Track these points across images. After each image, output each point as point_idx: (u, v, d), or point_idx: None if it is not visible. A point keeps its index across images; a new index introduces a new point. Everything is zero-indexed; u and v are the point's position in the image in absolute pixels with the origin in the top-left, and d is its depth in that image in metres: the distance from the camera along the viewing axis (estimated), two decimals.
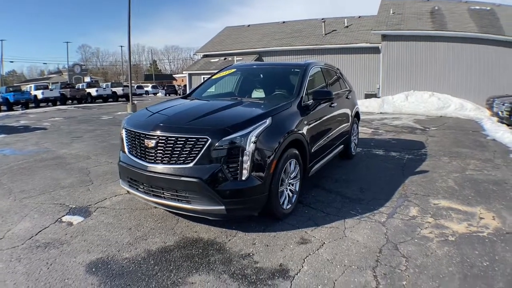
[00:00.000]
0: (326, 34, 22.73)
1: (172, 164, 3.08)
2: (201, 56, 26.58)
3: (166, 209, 3.49)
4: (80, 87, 27.92)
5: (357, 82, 20.26)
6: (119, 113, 16.66)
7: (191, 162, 3.02)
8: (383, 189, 4.52)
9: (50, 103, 23.06)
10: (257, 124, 3.18)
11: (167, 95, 44.06)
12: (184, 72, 29.02)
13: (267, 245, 3.02)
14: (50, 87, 25.77)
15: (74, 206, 3.94)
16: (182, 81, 67.22)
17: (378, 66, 19.97)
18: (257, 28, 27.46)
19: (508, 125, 10.17)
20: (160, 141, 3.13)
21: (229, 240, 3.14)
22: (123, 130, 3.60)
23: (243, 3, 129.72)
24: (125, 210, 3.86)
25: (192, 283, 2.46)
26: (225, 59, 24.52)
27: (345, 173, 5.31)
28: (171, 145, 3.09)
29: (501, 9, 19.36)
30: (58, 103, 23.42)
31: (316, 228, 3.35)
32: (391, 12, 19.52)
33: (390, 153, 6.84)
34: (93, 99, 26.51)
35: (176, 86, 50.29)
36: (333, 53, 21.29)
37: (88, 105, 23.91)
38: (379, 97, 18.05)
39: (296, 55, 22.53)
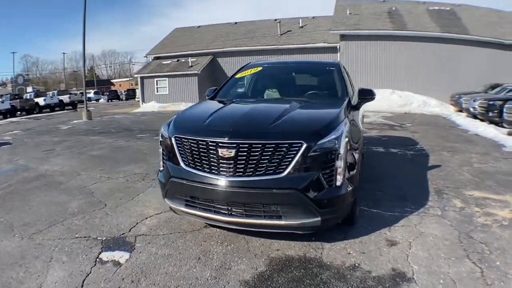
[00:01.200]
0: (281, 35, 23.38)
1: (259, 175, 2.77)
2: (152, 58, 26.10)
3: (240, 228, 3.06)
4: (28, 97, 27.45)
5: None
6: (75, 121, 16.03)
7: (284, 171, 2.75)
8: (414, 184, 4.82)
9: (1, 116, 22.56)
10: (342, 125, 3.06)
11: (109, 100, 43.16)
12: (135, 75, 28.50)
13: (363, 252, 2.98)
14: (0, 99, 24.98)
15: (104, 238, 3.27)
16: (120, 85, 67.06)
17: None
18: (209, 29, 27.51)
19: (482, 120, 11.23)
20: (241, 149, 2.78)
21: (321, 253, 2.99)
22: (173, 138, 3.11)
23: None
24: (174, 235, 3.33)
25: None
26: (178, 60, 24.17)
27: (364, 170, 5.18)
28: (257, 153, 2.77)
29: (462, 9, 20.97)
30: (8, 115, 22.82)
31: (390, 229, 3.43)
32: (347, 12, 20.73)
33: (389, 149, 7.32)
34: (41, 109, 26.08)
35: (119, 91, 49.58)
36: (290, 53, 21.82)
37: (38, 116, 22.92)
38: None
39: (253, 55, 22.74)
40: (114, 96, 45.60)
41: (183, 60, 23.94)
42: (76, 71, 74.61)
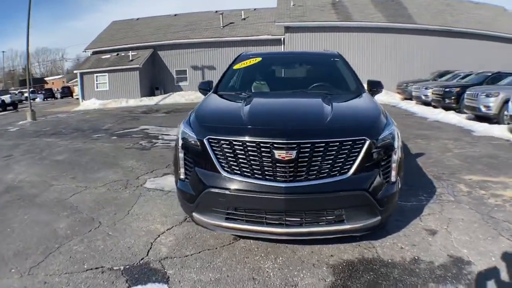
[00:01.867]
0: (224, 27, 23.25)
1: (322, 178, 2.58)
2: (91, 53, 24.96)
3: (295, 238, 2.83)
4: None
5: None
6: (21, 122, 14.97)
7: (348, 171, 2.60)
8: (411, 173, 4.94)
9: None
10: (390, 118, 3.07)
11: (45, 99, 42.29)
12: (74, 71, 26.99)
13: (414, 245, 3.05)
14: None
15: (123, 268, 2.74)
16: (53, 83, 65.41)
17: None
18: (148, 21, 26.74)
19: (435, 107, 12.09)
20: (302, 150, 2.54)
21: (376, 252, 2.96)
22: (206, 141, 2.71)
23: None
24: (205, 254, 2.94)
25: None
26: (117, 54, 23.30)
27: None
28: (320, 153, 2.57)
29: None
30: None
31: (421, 218, 3.56)
32: (291, 4, 21.20)
33: None
34: None
35: (54, 90, 48.71)
36: (234, 46, 21.56)
37: None
38: None
39: (195, 48, 22.61)
40: (49, 94, 44.83)
41: (123, 54, 23.09)
42: (13, 70, 72.53)
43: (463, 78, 14.06)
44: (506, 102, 8.86)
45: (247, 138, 2.63)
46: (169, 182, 4.81)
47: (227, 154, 2.68)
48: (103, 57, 23.93)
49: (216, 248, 3.04)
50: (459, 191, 4.36)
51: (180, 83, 23.26)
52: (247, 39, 21.70)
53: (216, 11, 25.10)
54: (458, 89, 11.45)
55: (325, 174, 2.60)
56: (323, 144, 2.59)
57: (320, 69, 4.68)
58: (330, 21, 20.03)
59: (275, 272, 2.66)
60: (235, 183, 2.64)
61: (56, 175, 5.43)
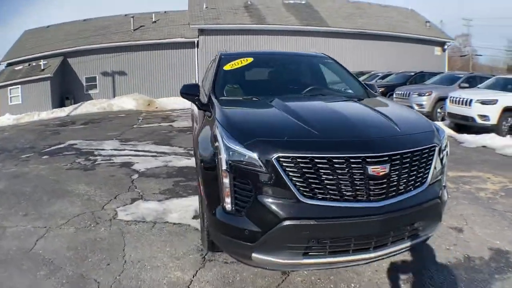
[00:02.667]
0: (135, 30, 22.16)
1: (410, 190, 2.46)
2: (6, 65, 22.40)
3: (377, 260, 2.60)
4: None
5: (174, 78, 20.81)
6: None
7: (426, 180, 2.55)
8: None
9: None
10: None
11: None
12: None
13: (455, 244, 3.37)
14: None
15: None
16: None
17: (194, 61, 21.42)
18: (58, 28, 24.71)
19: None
20: (393, 162, 2.36)
21: (426, 255, 3.23)
22: (275, 160, 2.29)
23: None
24: None
25: None
26: (29, 64, 21.08)
27: None
28: (407, 164, 2.44)
29: (318, 2, 23.00)
30: None
31: None
32: (204, 6, 21.14)
33: None
34: None
35: None
36: (146, 49, 20.65)
37: None
38: None
39: (105, 53, 21.12)
40: None
41: (34, 64, 20.98)
42: None
43: (382, 78, 15.30)
44: (439, 100, 9.94)
45: (332, 154, 2.30)
46: (145, 209, 4.26)
47: (307, 175, 2.28)
48: (17, 68, 21.55)
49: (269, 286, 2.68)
50: (448, 188, 4.67)
51: (90, 91, 21.63)
52: (160, 42, 21.00)
53: (126, 15, 23.95)
54: (382, 89, 12.39)
55: (411, 186, 2.47)
56: (409, 154, 2.45)
57: (316, 71, 4.59)
58: (244, 23, 20.37)
59: None
60: (319, 210, 2.28)
61: (3, 212, 4.38)
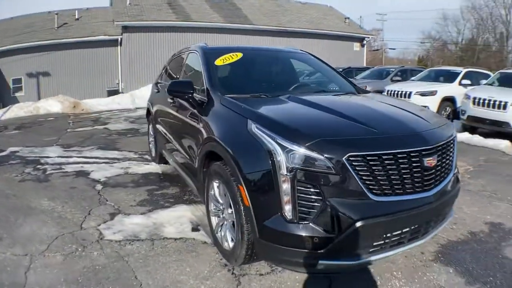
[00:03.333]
0: (58, 28, 20.17)
1: (446, 177, 2.75)
2: None
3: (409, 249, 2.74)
4: None
5: (97, 78, 19.53)
6: None
7: (452, 167, 2.86)
8: None
9: None
10: None
11: None
12: None
13: (455, 223, 3.85)
14: None
15: None
16: None
17: (117, 59, 20.17)
18: None
19: None
20: (439, 153, 2.61)
21: (444, 238, 3.61)
22: (345, 160, 2.24)
23: None
24: None
25: None
26: None
27: None
28: (445, 154, 2.72)
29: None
30: None
31: None
32: (127, 3, 19.87)
33: None
34: None
35: None
36: (69, 48, 18.88)
37: None
38: (121, 93, 18.40)
39: (31, 53, 18.88)
40: None
41: None
42: None
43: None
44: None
45: (397, 150, 2.37)
46: (132, 225, 3.84)
47: (376, 173, 2.30)
48: None
49: None
50: None
51: (16, 94, 19.21)
52: (83, 41, 19.34)
53: (50, 12, 21.69)
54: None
55: (447, 174, 2.77)
56: (445, 145, 2.72)
57: (308, 67, 4.67)
58: (169, 20, 19.62)
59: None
60: (388, 206, 2.32)
61: None
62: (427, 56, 57.10)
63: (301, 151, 2.29)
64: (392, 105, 3.23)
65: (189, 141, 3.78)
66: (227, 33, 20.29)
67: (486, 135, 8.79)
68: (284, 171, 2.27)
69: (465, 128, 9.31)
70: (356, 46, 23.91)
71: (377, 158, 2.31)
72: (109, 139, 8.87)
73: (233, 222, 2.79)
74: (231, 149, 2.68)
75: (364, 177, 2.28)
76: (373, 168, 2.30)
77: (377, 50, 49.61)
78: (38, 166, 6.18)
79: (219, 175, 2.91)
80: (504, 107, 8.39)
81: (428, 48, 56.43)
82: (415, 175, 2.42)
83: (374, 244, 2.36)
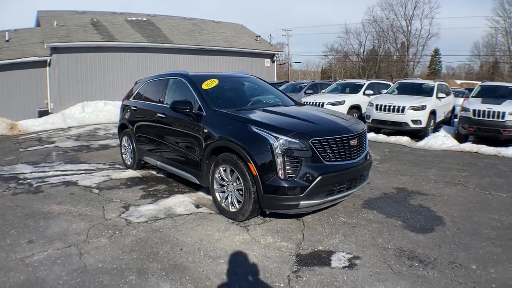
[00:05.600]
0: None
1: (363, 153, 4.44)
2: None
3: None
4: None
5: (28, 99, 18.36)
6: None
7: (366, 147, 4.59)
8: None
9: None
10: None
11: None
12: None
13: (371, 191, 5.08)
14: None
15: None
16: None
17: (45, 80, 19.14)
18: None
19: None
20: (358, 138, 4.31)
21: (377, 189, 4.91)
22: (316, 141, 3.90)
23: None
24: None
25: None
26: None
27: None
28: (361, 138, 4.40)
29: (158, 19, 22.70)
30: None
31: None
32: (55, 23, 19.03)
33: None
34: None
35: None
36: (1, 70, 18.01)
37: None
38: (51, 113, 17.69)
39: None
40: None
41: None
42: None
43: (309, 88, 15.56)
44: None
45: (336, 136, 4.05)
46: (148, 211, 4.65)
47: (325, 148, 4.01)
48: None
49: None
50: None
51: None
52: (14, 62, 18.12)
53: None
54: None
55: (363, 150, 4.46)
56: (361, 133, 4.41)
57: (257, 87, 5.81)
58: (95, 41, 19.25)
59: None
60: (334, 167, 4.00)
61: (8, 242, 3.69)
62: (330, 68, 59.41)
63: (286, 139, 3.73)
64: (324, 112, 4.83)
65: (188, 143, 4.76)
66: (150, 52, 20.47)
67: (388, 134, 10.68)
68: (278, 150, 3.68)
69: (370, 130, 10.61)
70: (267, 62, 25.01)
71: (325, 140, 3.85)
72: (69, 155, 8.85)
73: (240, 190, 3.98)
74: (241, 142, 3.94)
75: (320, 152, 3.80)
76: (324, 146, 3.82)
77: (283, 64, 50.80)
78: (21, 181, 6.17)
79: (227, 161, 4.08)
80: (403, 110, 10.16)
81: (330, 60, 58.83)
82: (346, 150, 3.98)
83: (329, 189, 3.82)
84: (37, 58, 18.30)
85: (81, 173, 6.74)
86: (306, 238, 3.79)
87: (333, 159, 3.87)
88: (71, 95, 18.59)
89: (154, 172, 6.57)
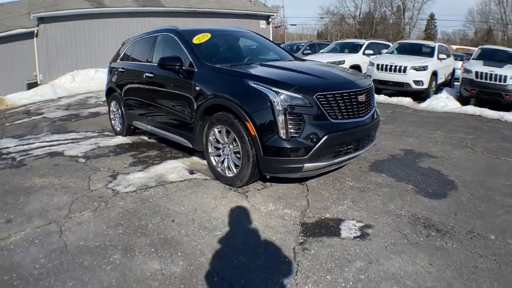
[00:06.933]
0: None
1: (371, 110, 3.91)
2: None
3: None
4: None
5: (16, 72, 17.62)
6: None
7: (374, 104, 4.07)
8: None
9: None
10: None
11: None
12: None
13: (377, 153, 4.92)
14: None
15: None
16: None
17: (34, 51, 18.02)
18: None
19: None
20: (367, 93, 3.78)
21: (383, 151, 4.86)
22: (322, 96, 3.38)
23: None
24: None
25: None
26: None
27: None
28: (369, 94, 3.88)
29: None
30: None
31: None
32: None
33: None
34: None
35: None
36: None
37: None
38: (41, 84, 17.05)
39: None
40: None
41: None
42: None
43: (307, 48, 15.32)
44: None
45: (343, 91, 3.51)
46: (138, 179, 4.16)
47: (332, 105, 3.48)
48: None
49: None
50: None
51: None
52: (1, 36, 17.21)
53: None
54: None
55: (372, 108, 3.92)
56: (369, 88, 3.86)
57: (253, 42, 5.17)
58: (84, 8, 18.25)
59: None
60: (341, 125, 3.52)
61: None
62: (326, 31, 58.15)
63: (288, 94, 3.21)
64: (328, 66, 4.29)
65: (179, 104, 4.20)
66: (141, 17, 19.46)
67: (389, 95, 10.17)
68: (279, 107, 3.17)
69: None
70: (262, 23, 24.12)
71: (332, 96, 3.31)
72: (56, 125, 8.32)
73: (237, 152, 3.50)
74: (238, 99, 3.41)
75: (326, 108, 3.27)
76: (330, 102, 3.30)
77: (279, 26, 50.13)
78: (3, 156, 5.66)
79: (222, 121, 3.55)
80: (404, 70, 9.56)
81: (326, 23, 57.69)
82: (354, 106, 3.44)
83: (335, 150, 3.33)
84: (24, 30, 17.35)
85: (68, 143, 6.24)
86: (311, 204, 3.34)
87: (339, 117, 3.36)
88: (60, 65, 17.79)
89: (145, 138, 6.05)
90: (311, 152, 3.16)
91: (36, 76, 18.31)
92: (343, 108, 3.37)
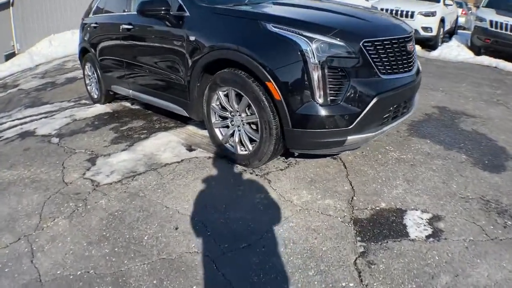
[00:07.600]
0: None
1: (415, 63, 2.97)
2: None
3: None
4: None
5: None
6: None
7: (415, 56, 3.07)
8: None
9: None
10: None
11: None
12: None
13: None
14: None
15: None
16: None
17: (10, 21, 16.60)
18: None
19: None
20: (412, 41, 2.87)
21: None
22: (370, 43, 2.42)
23: None
24: None
25: None
26: None
27: None
28: (413, 43, 2.92)
29: None
30: None
31: None
32: None
33: None
34: None
35: None
36: None
37: None
38: (19, 54, 15.92)
39: None
40: None
41: None
42: None
43: None
44: None
45: (391, 36, 2.62)
46: (122, 162, 3.20)
47: (382, 55, 2.56)
48: None
49: None
50: None
51: None
52: None
53: None
54: None
55: (416, 59, 3.07)
56: (413, 34, 2.96)
57: None
58: None
59: None
60: (393, 82, 2.63)
61: None
62: None
63: (326, 40, 2.25)
64: (357, 7, 3.29)
65: (168, 61, 3.17)
66: None
67: None
68: (314, 59, 2.21)
69: None
70: None
71: (381, 43, 2.39)
72: (31, 96, 7.25)
73: (253, 123, 2.59)
74: (252, 51, 2.39)
75: (374, 60, 2.35)
76: (379, 52, 2.38)
77: None
78: None
79: (229, 81, 2.59)
80: (412, 16, 8.35)
81: None
82: (403, 57, 2.57)
83: (384, 116, 2.45)
84: None
85: (41, 117, 5.21)
86: (357, 189, 2.48)
87: (389, 71, 2.44)
88: (36, 31, 16.53)
89: (127, 104, 5.03)
90: (357, 120, 2.28)
91: (13, 46, 17.27)
92: (392, 59, 2.47)
